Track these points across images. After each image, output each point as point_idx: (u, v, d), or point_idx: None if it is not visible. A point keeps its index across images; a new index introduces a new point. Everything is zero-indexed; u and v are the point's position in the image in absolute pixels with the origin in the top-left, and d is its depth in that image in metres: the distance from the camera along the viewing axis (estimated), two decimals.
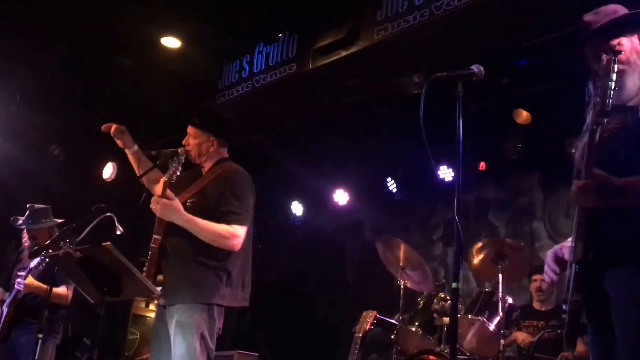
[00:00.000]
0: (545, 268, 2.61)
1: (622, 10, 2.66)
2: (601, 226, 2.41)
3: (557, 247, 2.64)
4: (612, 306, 2.37)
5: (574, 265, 2.41)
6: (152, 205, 3.64)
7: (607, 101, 2.31)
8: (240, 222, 3.71)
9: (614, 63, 2.35)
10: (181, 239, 3.68)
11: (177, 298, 3.62)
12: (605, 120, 2.33)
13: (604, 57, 2.47)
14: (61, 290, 5.11)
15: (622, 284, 2.35)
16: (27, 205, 5.46)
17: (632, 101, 2.54)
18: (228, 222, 3.68)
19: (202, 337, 3.57)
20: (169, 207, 3.61)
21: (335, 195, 8.85)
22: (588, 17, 2.66)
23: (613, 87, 2.32)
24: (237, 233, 3.68)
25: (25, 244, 5.50)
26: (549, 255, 2.62)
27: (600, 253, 2.39)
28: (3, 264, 6.31)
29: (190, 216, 3.65)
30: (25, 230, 5.50)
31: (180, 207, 3.64)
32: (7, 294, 5.36)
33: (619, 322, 2.34)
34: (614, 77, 2.33)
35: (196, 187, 3.87)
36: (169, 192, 3.65)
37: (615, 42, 2.57)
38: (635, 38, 2.61)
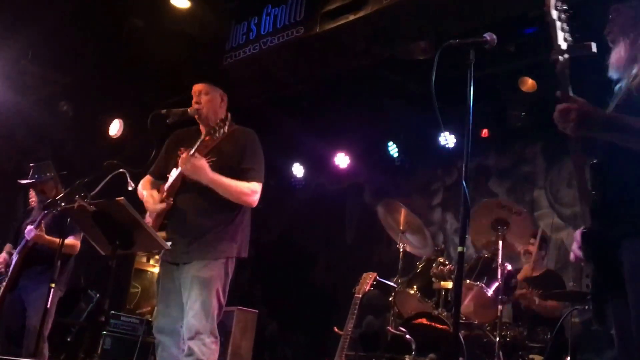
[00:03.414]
0: (574, 246, 2.60)
1: None
2: (604, 186, 2.44)
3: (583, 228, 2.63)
4: (625, 275, 2.39)
5: (584, 231, 2.45)
6: (181, 165, 3.70)
7: (557, 39, 2.37)
8: (259, 179, 3.85)
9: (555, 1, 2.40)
10: (196, 199, 3.76)
11: (194, 255, 3.71)
12: (559, 57, 2.37)
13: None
14: (70, 240, 5.21)
15: (632, 253, 2.37)
16: (30, 165, 5.61)
17: (625, 71, 2.55)
18: (248, 179, 3.80)
19: (217, 293, 3.68)
20: (198, 167, 3.68)
21: (336, 158, 8.89)
22: None
23: (559, 28, 2.38)
24: (256, 189, 3.82)
25: (33, 202, 5.58)
26: (577, 235, 2.59)
27: (608, 220, 2.41)
28: (13, 215, 6.38)
29: (216, 175, 3.72)
30: (31, 190, 5.59)
31: (208, 167, 3.71)
32: (15, 250, 5.45)
33: (631, 290, 2.36)
34: (554, 15, 2.38)
35: (206, 145, 3.88)
36: (197, 154, 3.71)
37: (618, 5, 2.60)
38: None
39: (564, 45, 2.37)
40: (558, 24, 2.37)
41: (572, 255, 2.63)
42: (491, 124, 7.45)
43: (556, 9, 2.39)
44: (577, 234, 2.60)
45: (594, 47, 2.43)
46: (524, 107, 7.04)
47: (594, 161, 2.47)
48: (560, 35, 2.36)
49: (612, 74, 2.59)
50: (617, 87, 2.61)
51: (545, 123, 6.91)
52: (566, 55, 2.37)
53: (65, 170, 5.60)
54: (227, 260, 3.78)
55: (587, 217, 2.44)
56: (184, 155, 3.71)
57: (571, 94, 2.37)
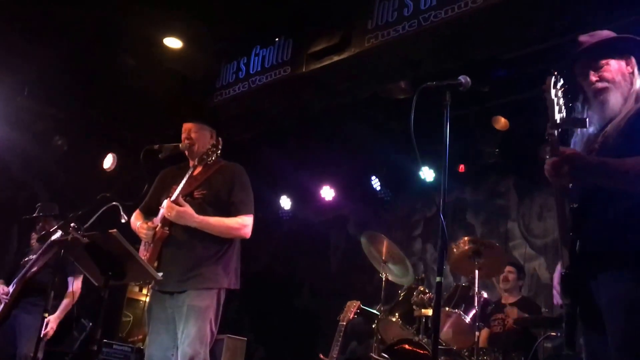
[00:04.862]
0: (554, 292, 2.65)
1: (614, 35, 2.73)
2: (584, 229, 2.45)
3: (560, 268, 2.64)
4: (603, 308, 2.41)
5: (562, 271, 2.46)
6: (166, 212, 3.71)
7: (554, 115, 2.40)
8: (249, 211, 3.86)
9: (555, 81, 2.43)
10: (189, 230, 3.75)
11: (188, 284, 3.69)
12: (555, 131, 2.40)
13: (548, 78, 2.48)
14: (74, 286, 5.22)
15: (610, 287, 2.39)
16: (37, 205, 5.68)
17: (617, 118, 2.59)
18: (238, 212, 3.82)
19: (211, 322, 3.67)
20: (183, 213, 3.70)
21: (322, 191, 8.92)
22: (583, 37, 2.72)
23: (556, 103, 2.40)
24: (246, 222, 3.84)
25: (34, 242, 5.56)
26: (555, 279, 2.65)
27: (587, 260, 2.43)
28: (7, 246, 6.31)
29: (202, 218, 3.73)
30: (32, 235, 5.59)
31: (193, 212, 3.72)
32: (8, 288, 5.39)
33: (609, 322, 2.38)
34: (553, 94, 2.41)
35: (197, 179, 3.92)
36: (180, 199, 3.73)
37: (603, 62, 2.63)
38: (623, 62, 2.66)
39: (559, 120, 2.40)
40: (555, 100, 2.40)
41: (555, 300, 2.65)
42: (467, 160, 7.53)
43: (554, 87, 2.42)
44: (556, 277, 2.63)
45: (588, 124, 2.51)
46: (497, 145, 7.13)
47: (574, 205, 2.49)
48: (557, 111, 2.40)
49: (600, 116, 2.62)
50: (589, 131, 2.64)
51: (517, 159, 7.17)
52: (560, 130, 2.41)
53: (60, 203, 5.61)
54: (219, 290, 3.77)
55: (565, 258, 2.45)
56: (167, 202, 3.73)
57: (561, 147, 2.41)
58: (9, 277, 5.46)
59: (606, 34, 2.72)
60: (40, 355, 5.03)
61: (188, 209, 3.71)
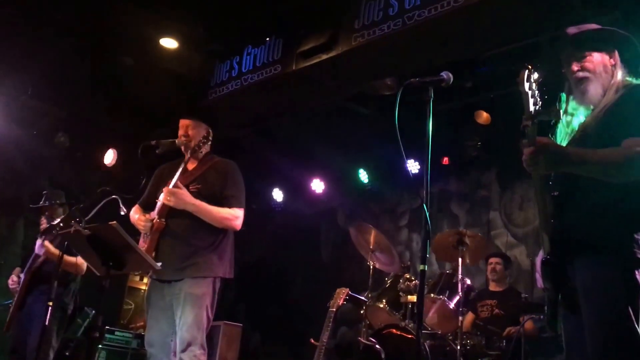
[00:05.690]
0: (537, 276, 2.65)
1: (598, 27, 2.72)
2: (564, 217, 2.46)
3: (541, 254, 2.64)
4: (579, 292, 2.42)
5: (543, 257, 2.48)
6: (165, 197, 3.72)
7: (529, 107, 2.37)
8: (240, 205, 3.87)
9: (529, 74, 2.39)
10: (185, 221, 3.76)
11: (185, 273, 3.70)
12: (530, 122, 2.37)
13: (522, 71, 2.43)
14: (75, 259, 5.16)
15: (587, 272, 2.40)
16: (43, 192, 5.65)
17: (597, 108, 2.59)
18: (230, 205, 3.83)
19: (207, 308, 3.68)
20: (181, 195, 3.72)
21: (312, 184, 8.93)
22: (571, 29, 2.71)
23: (530, 95, 2.37)
24: (238, 215, 3.85)
25: (43, 227, 5.55)
26: (537, 264, 2.64)
27: (565, 245, 2.45)
28: (14, 239, 6.28)
29: (199, 202, 3.75)
30: (42, 218, 5.58)
31: (191, 196, 3.74)
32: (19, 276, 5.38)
33: (584, 306, 2.39)
34: (527, 87, 2.37)
35: (192, 174, 3.94)
36: (178, 183, 3.75)
37: (587, 53, 2.63)
38: (606, 55, 2.65)
39: (534, 112, 2.37)
40: (529, 93, 2.37)
41: (538, 284, 2.65)
42: (451, 153, 7.56)
43: (528, 80, 2.39)
44: (538, 263, 2.62)
45: (561, 114, 2.52)
46: (479, 138, 7.15)
47: (555, 193, 2.50)
48: (531, 103, 2.37)
49: (581, 105, 2.63)
50: (568, 122, 2.64)
51: (499, 152, 7.20)
52: (536, 120, 2.38)
53: (67, 200, 5.61)
54: (215, 279, 3.79)
55: (546, 244, 2.47)
56: (165, 189, 3.74)
57: (538, 137, 2.38)
58: (23, 264, 5.45)
59: (592, 26, 2.72)
60: (54, 343, 5.03)
61: (185, 191, 3.74)
